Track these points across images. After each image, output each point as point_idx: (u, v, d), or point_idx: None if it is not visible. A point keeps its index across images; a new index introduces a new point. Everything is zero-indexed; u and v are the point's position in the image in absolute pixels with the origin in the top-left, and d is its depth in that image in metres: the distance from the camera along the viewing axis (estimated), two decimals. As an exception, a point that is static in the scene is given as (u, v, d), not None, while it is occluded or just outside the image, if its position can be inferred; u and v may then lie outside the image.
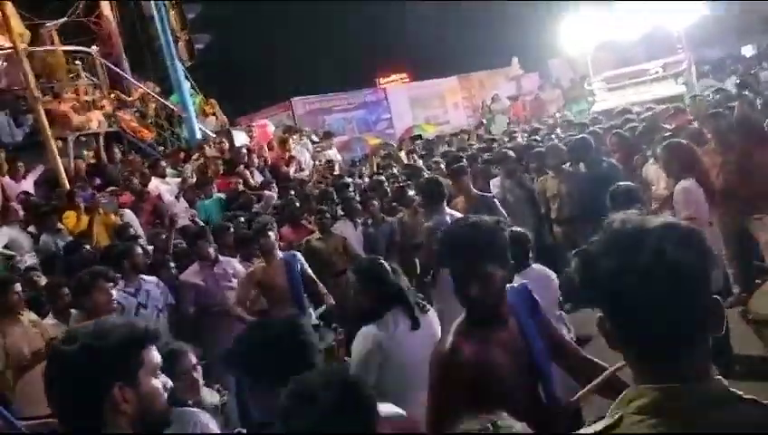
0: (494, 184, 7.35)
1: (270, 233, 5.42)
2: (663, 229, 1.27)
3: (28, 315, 4.82)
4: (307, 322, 1.99)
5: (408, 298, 3.23)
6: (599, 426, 1.26)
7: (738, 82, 12.22)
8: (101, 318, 4.21)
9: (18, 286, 4.83)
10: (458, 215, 5.51)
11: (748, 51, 21.80)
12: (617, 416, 1.25)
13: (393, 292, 3.22)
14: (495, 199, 6.09)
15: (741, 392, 1.25)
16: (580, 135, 7.70)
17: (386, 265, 3.34)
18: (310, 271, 5.57)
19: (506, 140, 10.64)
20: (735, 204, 5.45)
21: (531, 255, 4.21)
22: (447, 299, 4.93)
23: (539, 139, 9.76)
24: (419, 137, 15.07)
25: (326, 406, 1.67)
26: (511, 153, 7.77)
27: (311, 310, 5.44)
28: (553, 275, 4.19)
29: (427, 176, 6.50)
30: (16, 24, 9.01)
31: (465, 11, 22.99)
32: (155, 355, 1.77)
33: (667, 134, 6.60)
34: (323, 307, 5.45)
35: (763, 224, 5.42)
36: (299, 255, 5.61)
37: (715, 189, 5.26)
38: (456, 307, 2.50)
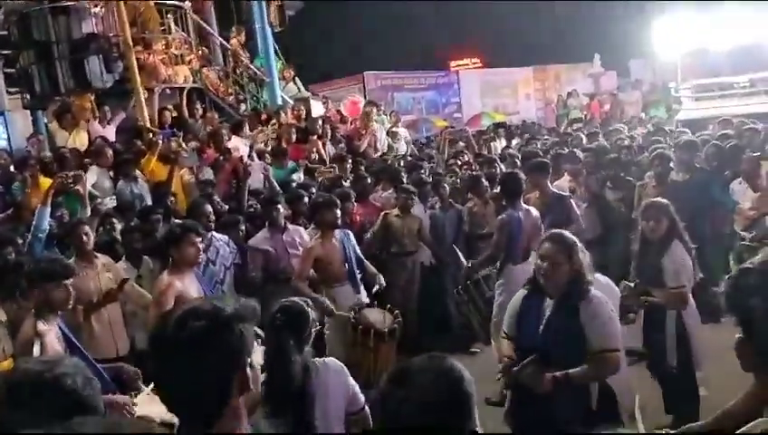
0: (559, 184, 6.62)
1: (336, 208, 5.23)
2: None
3: (102, 259, 4.99)
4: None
5: None
6: None
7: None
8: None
9: (87, 229, 4.97)
10: (534, 211, 5.45)
11: None
12: None
13: None
14: (572, 200, 5.97)
15: None
16: (688, 138, 7.31)
17: None
18: (359, 251, 5.47)
19: (584, 137, 10.24)
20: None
21: None
22: (511, 290, 4.93)
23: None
24: (503, 124, 14.70)
25: (420, 390, 1.65)
26: (579, 153, 7.35)
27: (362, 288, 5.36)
28: (614, 285, 4.08)
29: (505, 169, 6.39)
30: (116, -28, 9.21)
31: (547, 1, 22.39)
32: None
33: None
34: (377, 287, 5.37)
35: None
36: (350, 234, 5.50)
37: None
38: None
